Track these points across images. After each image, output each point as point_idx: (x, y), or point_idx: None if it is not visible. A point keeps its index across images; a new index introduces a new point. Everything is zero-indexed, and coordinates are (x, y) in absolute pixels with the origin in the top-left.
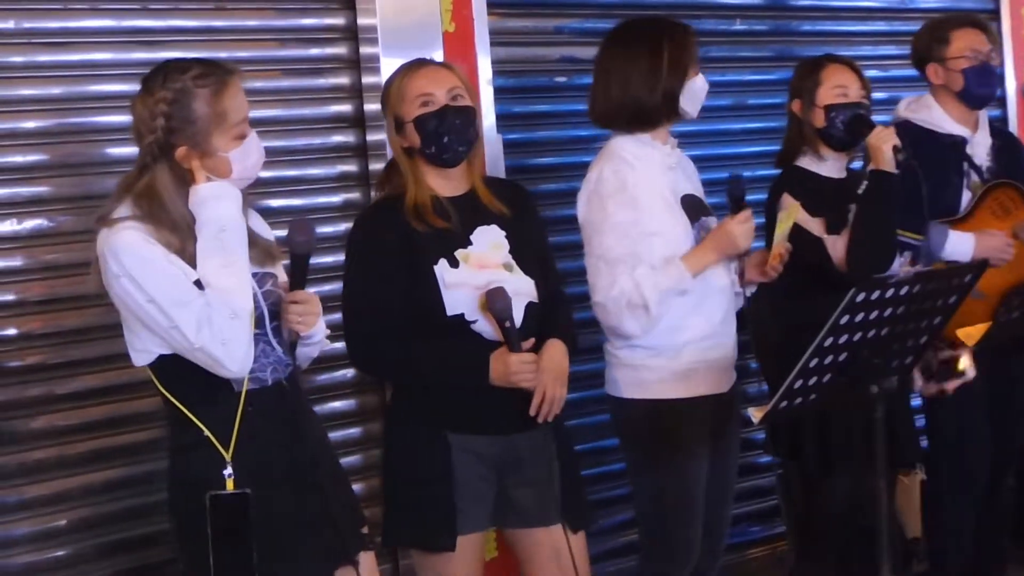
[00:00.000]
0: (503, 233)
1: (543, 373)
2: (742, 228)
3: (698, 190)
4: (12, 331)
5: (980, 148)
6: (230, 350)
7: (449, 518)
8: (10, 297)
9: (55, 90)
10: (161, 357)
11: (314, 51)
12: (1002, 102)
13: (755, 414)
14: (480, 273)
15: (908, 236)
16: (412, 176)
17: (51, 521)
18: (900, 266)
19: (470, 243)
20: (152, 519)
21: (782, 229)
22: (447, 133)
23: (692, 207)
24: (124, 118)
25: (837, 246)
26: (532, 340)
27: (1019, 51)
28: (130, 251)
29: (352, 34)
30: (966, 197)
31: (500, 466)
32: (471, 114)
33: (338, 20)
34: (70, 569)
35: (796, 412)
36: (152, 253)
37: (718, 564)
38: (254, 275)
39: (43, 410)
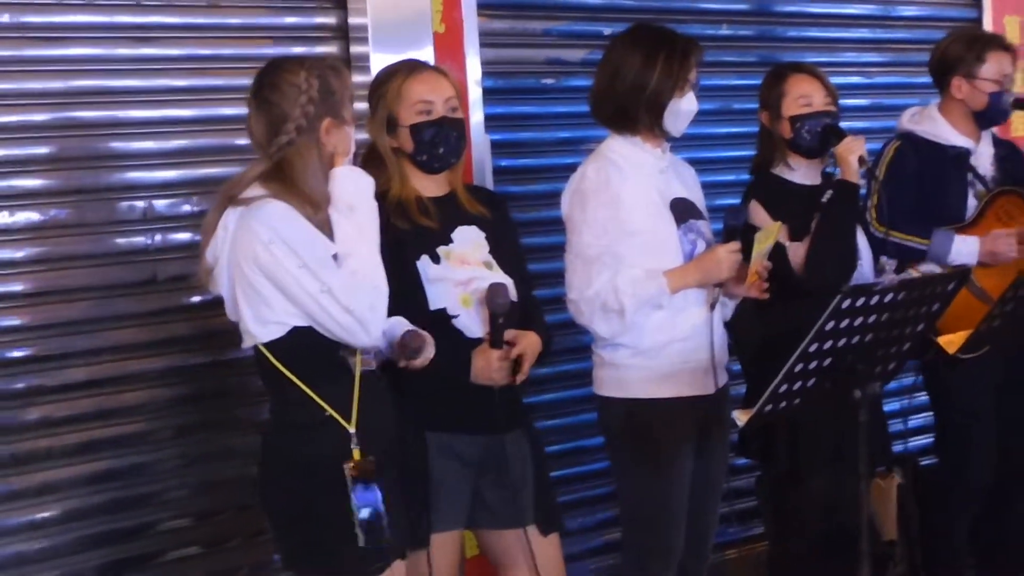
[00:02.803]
0: (483, 233)
1: (528, 345)
2: (729, 257)
3: (693, 195)
4: (2, 323)
5: (984, 158)
6: (375, 316)
7: (423, 516)
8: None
9: (49, 84)
10: (291, 332)
11: (304, 49)
12: None
13: (739, 416)
14: (461, 269)
15: (914, 241)
16: (398, 175)
17: (39, 512)
18: (881, 273)
19: (451, 241)
20: (138, 511)
21: (761, 247)
22: (442, 144)
23: (680, 210)
24: (121, 113)
25: (798, 253)
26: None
27: None
28: (282, 218)
29: (343, 33)
30: (971, 206)
31: (478, 466)
32: (463, 126)
33: (329, 19)
34: (58, 559)
35: (781, 415)
36: (301, 223)
37: (704, 565)
38: None
39: (33, 401)
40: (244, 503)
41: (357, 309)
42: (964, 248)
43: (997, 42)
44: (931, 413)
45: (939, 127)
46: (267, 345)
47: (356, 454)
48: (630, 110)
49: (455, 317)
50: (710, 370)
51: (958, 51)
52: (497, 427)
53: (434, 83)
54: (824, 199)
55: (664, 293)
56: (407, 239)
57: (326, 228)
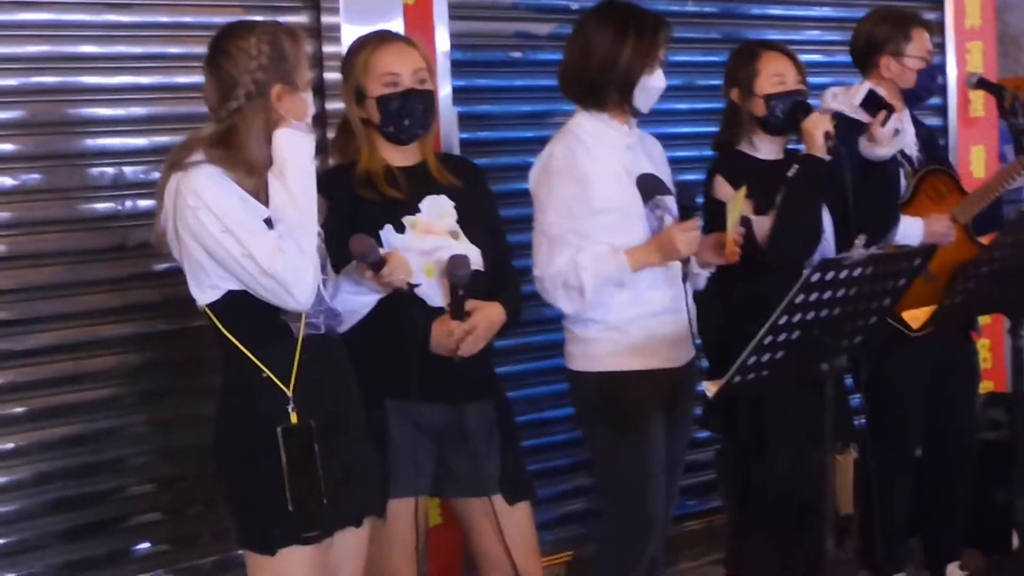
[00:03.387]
0: (452, 203)
1: (482, 318)
2: (685, 236)
3: (661, 170)
4: None
5: (908, 138)
6: (300, 280)
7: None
8: None
9: (27, 49)
10: (227, 296)
11: (277, 19)
12: (943, 91)
13: (709, 387)
14: (426, 239)
15: None
16: (367, 145)
17: (6, 475)
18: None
19: (418, 211)
20: (104, 476)
21: (734, 215)
22: (408, 116)
23: (647, 186)
24: (94, 79)
25: (763, 226)
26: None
27: (960, 41)
28: (208, 184)
29: (314, 3)
30: (903, 186)
31: (440, 434)
32: (432, 98)
33: None
34: (24, 522)
35: (749, 387)
36: (228, 187)
37: (665, 536)
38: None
39: (1, 365)
40: (207, 470)
41: (278, 273)
42: (909, 229)
43: (917, 19)
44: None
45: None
46: (209, 307)
47: (293, 417)
48: (599, 87)
49: (417, 286)
50: (679, 343)
51: (885, 30)
52: (456, 397)
53: (402, 54)
54: (790, 173)
55: (625, 271)
56: (372, 210)
57: (264, 193)
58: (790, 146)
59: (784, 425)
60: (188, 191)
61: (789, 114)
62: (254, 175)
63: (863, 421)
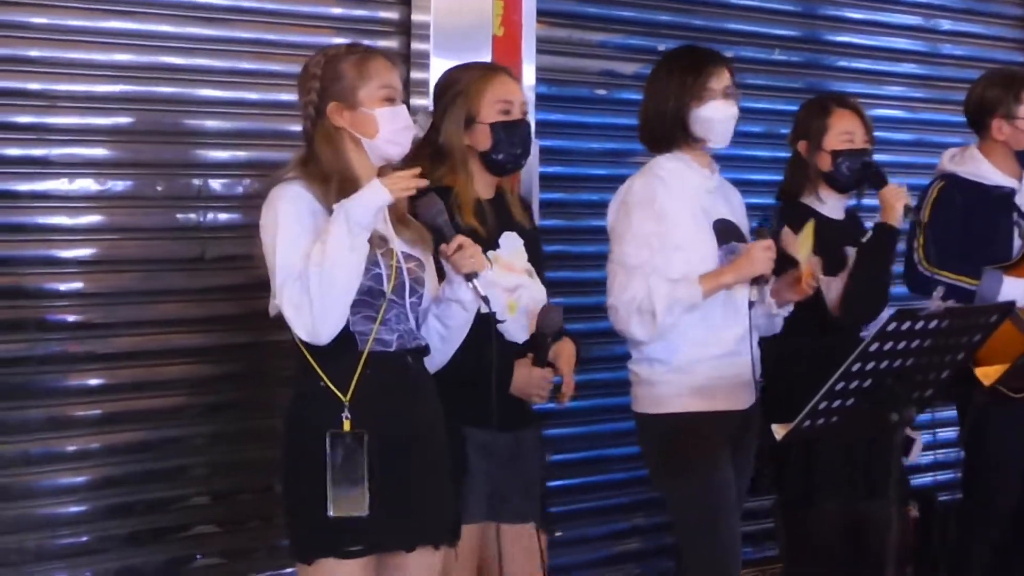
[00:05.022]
0: (521, 241)
1: (566, 364)
2: (764, 254)
3: (738, 218)
4: (47, 288)
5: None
6: (299, 315)
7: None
8: (60, 254)
9: (115, 57)
10: None
11: (367, 42)
12: None
13: (778, 431)
14: (508, 276)
15: (964, 281)
16: (464, 172)
17: (72, 477)
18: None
19: (498, 246)
20: (165, 484)
21: (805, 248)
22: (520, 145)
23: (723, 231)
24: (179, 90)
25: (832, 288)
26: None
27: None
28: (285, 198)
29: (405, 29)
30: (1017, 246)
31: (500, 460)
32: (531, 130)
33: (392, 14)
34: (86, 524)
35: (818, 433)
36: (301, 204)
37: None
38: (403, 254)
39: (75, 368)
40: (267, 485)
41: (283, 304)
42: (1013, 289)
43: None
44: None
45: (982, 168)
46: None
47: (346, 425)
48: (659, 127)
49: (501, 322)
50: (742, 386)
51: (996, 93)
52: (516, 423)
53: (512, 85)
54: (865, 240)
55: (697, 294)
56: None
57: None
58: (850, 202)
59: (831, 478)
60: (268, 203)
61: (859, 176)
62: (329, 185)
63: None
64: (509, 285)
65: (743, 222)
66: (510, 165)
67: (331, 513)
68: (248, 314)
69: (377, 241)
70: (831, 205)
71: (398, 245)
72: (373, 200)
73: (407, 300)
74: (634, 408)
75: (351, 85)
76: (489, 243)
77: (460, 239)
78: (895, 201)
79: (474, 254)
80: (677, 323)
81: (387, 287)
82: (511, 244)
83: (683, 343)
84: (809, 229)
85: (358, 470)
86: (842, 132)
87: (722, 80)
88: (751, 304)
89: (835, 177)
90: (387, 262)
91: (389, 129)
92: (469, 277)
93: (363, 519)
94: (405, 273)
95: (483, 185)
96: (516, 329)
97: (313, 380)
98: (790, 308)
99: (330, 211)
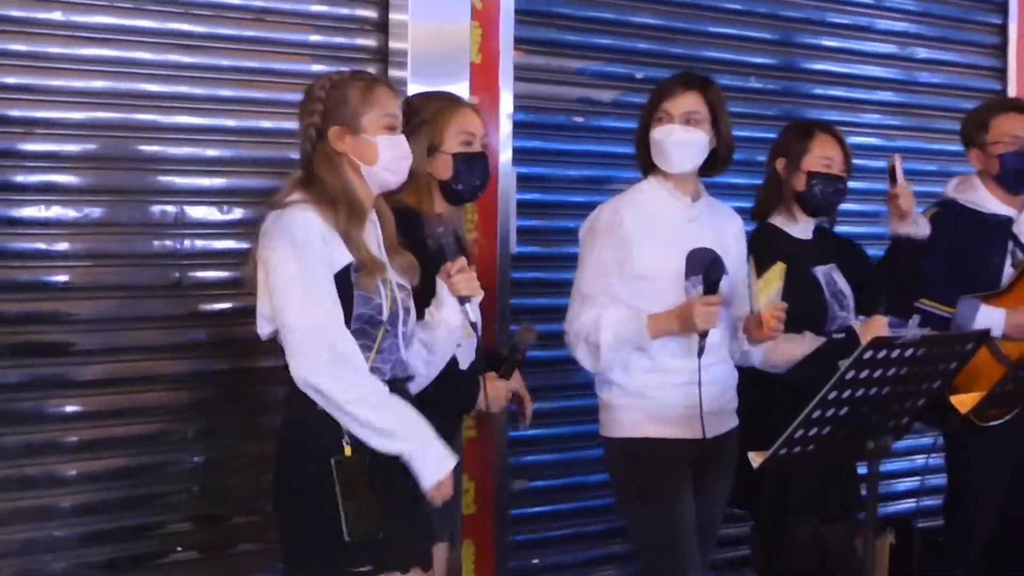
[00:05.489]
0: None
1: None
2: (704, 311)
3: (727, 248)
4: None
5: (1020, 226)
6: (321, 376)
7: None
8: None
9: (93, 84)
10: None
11: (343, 69)
12: None
13: (755, 459)
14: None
15: (940, 308)
16: (428, 198)
17: (51, 502)
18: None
19: None
20: (145, 510)
21: (767, 292)
22: (479, 176)
23: (696, 261)
24: (157, 117)
25: (780, 350)
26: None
27: None
28: (300, 222)
29: (383, 57)
30: (1007, 274)
31: None
32: (488, 162)
33: (370, 41)
34: (66, 551)
35: (795, 460)
36: (309, 239)
37: None
38: (396, 283)
39: (53, 394)
40: (251, 510)
41: (304, 362)
42: (988, 319)
43: (1001, 105)
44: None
45: (980, 195)
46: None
47: (347, 451)
48: (638, 153)
49: (458, 347)
50: (706, 415)
51: (969, 124)
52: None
53: (475, 117)
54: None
55: (644, 335)
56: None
57: (352, 236)
58: (821, 223)
59: (804, 500)
60: (279, 227)
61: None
62: (335, 207)
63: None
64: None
65: (735, 251)
66: (467, 195)
67: (347, 537)
68: (226, 341)
69: (378, 268)
70: (801, 227)
71: (392, 274)
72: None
73: (399, 329)
74: (600, 432)
75: (355, 111)
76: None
77: (463, 261)
78: (867, 333)
79: (472, 278)
80: (626, 358)
81: (385, 316)
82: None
83: (638, 369)
84: (775, 273)
85: (366, 494)
86: (822, 156)
87: (681, 104)
88: (699, 353)
89: (807, 198)
90: (385, 291)
91: (389, 157)
92: (463, 300)
93: (371, 540)
94: (399, 302)
95: (440, 210)
96: (464, 355)
97: (309, 404)
98: (761, 347)
99: (341, 235)
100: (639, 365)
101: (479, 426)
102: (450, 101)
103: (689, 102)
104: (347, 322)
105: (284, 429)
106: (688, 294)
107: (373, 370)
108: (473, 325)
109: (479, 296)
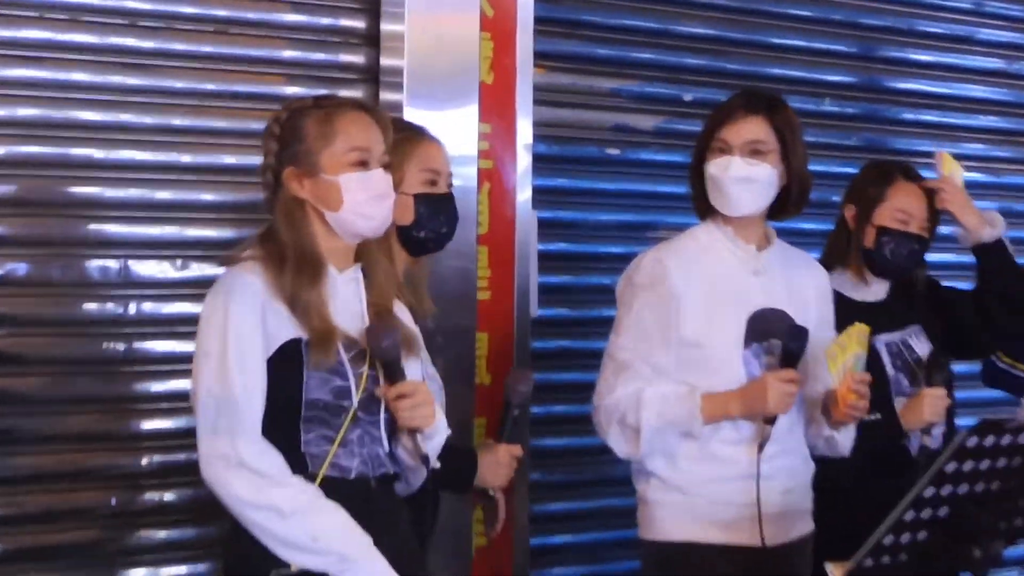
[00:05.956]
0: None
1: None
2: (780, 388)
3: (802, 310)
4: None
5: None
6: (203, 452)
7: None
8: None
9: (17, 112)
10: None
11: (324, 92)
12: None
13: (834, 571)
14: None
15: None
16: (388, 249)
17: None
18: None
19: None
20: None
21: (843, 359)
22: (447, 223)
23: (761, 325)
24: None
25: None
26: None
27: None
28: (233, 297)
29: (372, 76)
30: None
31: None
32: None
33: (357, 58)
34: None
35: (882, 573)
36: (245, 309)
37: None
38: None
39: None
40: None
41: (202, 434)
42: None
43: None
44: None
45: None
46: None
47: (293, 566)
48: (693, 192)
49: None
50: (769, 518)
51: None
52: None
53: (441, 153)
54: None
55: (696, 419)
56: None
57: (301, 303)
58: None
59: None
60: (215, 291)
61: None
62: (289, 271)
63: None
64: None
65: (814, 314)
66: (432, 244)
67: None
68: (184, 430)
69: (345, 343)
70: (870, 288)
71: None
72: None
73: (381, 416)
74: (639, 534)
75: (310, 147)
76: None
77: (407, 387)
78: (923, 416)
79: (421, 404)
80: (671, 444)
81: (355, 399)
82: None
83: (684, 457)
84: (854, 336)
85: None
86: (898, 209)
87: (743, 132)
88: (760, 446)
89: (874, 258)
90: (356, 369)
91: (356, 199)
92: (413, 431)
93: None
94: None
95: (398, 264)
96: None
97: None
98: (849, 430)
99: (286, 302)
100: (685, 453)
101: (489, 529)
102: (411, 132)
103: (753, 129)
104: (295, 408)
105: (225, 539)
106: (749, 367)
107: (333, 467)
108: (424, 459)
109: (430, 426)
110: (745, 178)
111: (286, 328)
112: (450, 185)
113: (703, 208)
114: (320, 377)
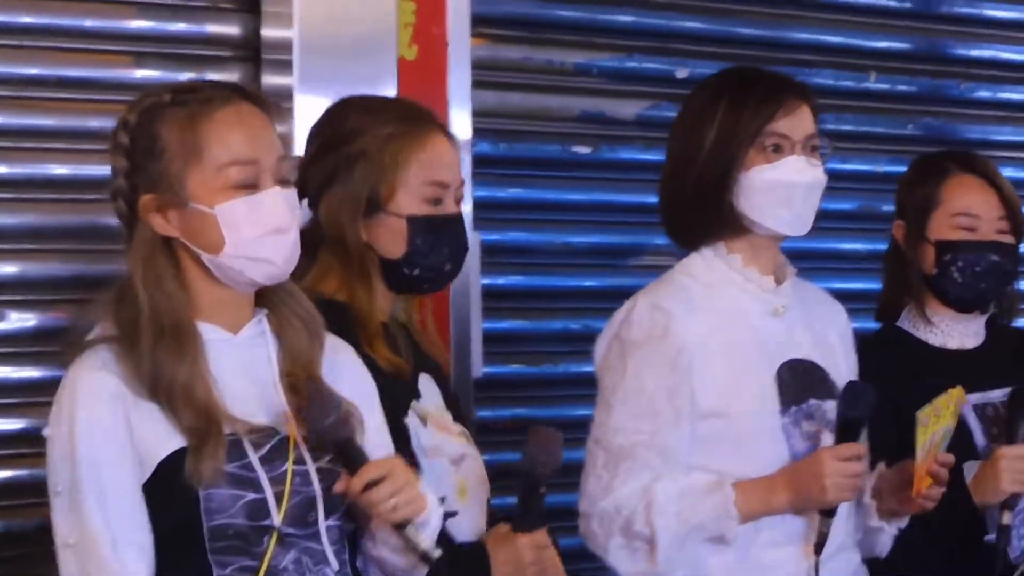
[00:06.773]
0: (437, 387)
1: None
2: (842, 469)
3: (830, 356)
4: None
5: None
6: None
7: None
8: None
9: None
10: None
11: (189, 75)
12: None
13: None
14: (447, 439)
15: None
16: (363, 286)
17: None
18: None
19: (420, 394)
20: None
21: (933, 430)
22: (452, 256)
23: (795, 381)
24: None
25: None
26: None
27: None
28: (82, 402)
29: (252, 52)
30: None
31: None
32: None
33: (230, 29)
34: None
35: None
36: (95, 428)
37: None
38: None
39: None
40: None
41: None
42: None
43: None
44: None
45: None
46: None
47: None
48: (690, 207)
49: (452, 515)
50: None
51: None
52: None
53: (451, 156)
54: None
55: (730, 519)
56: (382, 383)
57: (175, 394)
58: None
59: None
60: (58, 399)
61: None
62: (137, 347)
63: None
64: (454, 454)
65: (843, 362)
66: (427, 286)
67: None
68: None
69: (252, 436)
70: (947, 328)
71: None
72: None
73: (322, 525)
74: None
75: (171, 165)
76: (411, 387)
77: (375, 469)
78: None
79: (402, 487)
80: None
81: (276, 518)
82: (429, 391)
83: (718, 567)
84: (951, 403)
85: None
86: (958, 212)
87: (807, 124)
88: (818, 547)
89: (942, 286)
90: (274, 470)
91: (243, 237)
92: (400, 526)
93: None
94: (316, 483)
95: (382, 302)
96: (467, 522)
97: None
98: (903, 523)
99: (147, 394)
100: (719, 561)
101: None
102: (411, 122)
103: (810, 120)
104: (197, 542)
105: None
106: (790, 439)
107: (276, 569)
108: (423, 556)
109: (422, 513)
110: (817, 184)
111: (165, 436)
112: (459, 200)
113: (700, 230)
114: (223, 495)
